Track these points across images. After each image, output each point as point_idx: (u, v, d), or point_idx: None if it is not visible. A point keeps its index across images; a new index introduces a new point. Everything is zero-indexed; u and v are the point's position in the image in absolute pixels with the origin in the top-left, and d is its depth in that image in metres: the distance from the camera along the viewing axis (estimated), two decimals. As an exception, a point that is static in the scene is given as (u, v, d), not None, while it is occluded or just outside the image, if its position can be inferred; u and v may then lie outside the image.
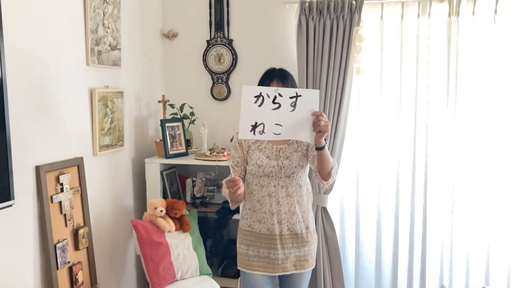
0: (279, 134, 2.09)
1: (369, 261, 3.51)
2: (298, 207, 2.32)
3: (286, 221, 2.30)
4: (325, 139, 2.12)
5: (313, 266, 2.43)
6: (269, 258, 2.32)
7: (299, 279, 2.40)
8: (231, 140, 2.46)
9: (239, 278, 3.23)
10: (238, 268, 2.41)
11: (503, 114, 3.16)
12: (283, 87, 2.23)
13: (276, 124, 2.07)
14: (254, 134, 2.08)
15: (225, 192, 2.35)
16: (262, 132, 2.08)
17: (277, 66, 2.40)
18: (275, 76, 2.30)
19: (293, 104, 2.06)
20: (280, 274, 2.34)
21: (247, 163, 2.36)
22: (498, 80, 3.13)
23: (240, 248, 2.39)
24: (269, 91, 2.07)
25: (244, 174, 2.38)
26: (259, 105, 2.06)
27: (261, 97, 2.06)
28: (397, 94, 3.31)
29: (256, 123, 2.07)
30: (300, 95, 2.06)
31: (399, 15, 3.23)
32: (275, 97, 2.06)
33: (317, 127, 2.04)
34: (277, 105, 2.06)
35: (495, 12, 3.06)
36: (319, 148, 2.13)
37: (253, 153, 2.31)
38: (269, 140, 2.28)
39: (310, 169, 2.39)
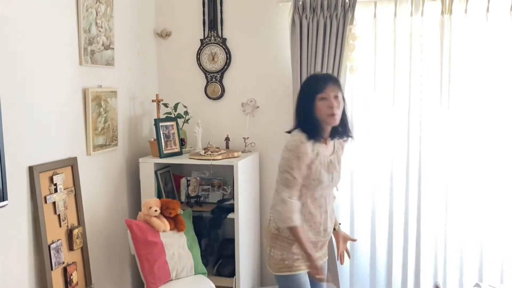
0: None
1: (364, 259, 3.52)
2: (331, 211, 2.41)
3: (328, 227, 2.38)
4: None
5: None
6: None
7: (324, 269, 2.46)
8: (295, 148, 2.21)
9: (234, 277, 3.25)
10: (281, 274, 2.33)
11: (496, 111, 3.18)
12: (338, 90, 2.25)
13: None
14: None
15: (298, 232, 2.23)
16: None
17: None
18: (329, 80, 2.27)
19: None
20: None
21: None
22: (491, 78, 3.15)
23: (283, 255, 2.31)
24: None
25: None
26: None
27: None
28: (390, 92, 3.32)
29: None
30: None
31: (392, 13, 3.24)
32: None
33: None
34: None
35: (487, 10, 3.08)
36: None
37: (316, 168, 2.23)
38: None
39: None
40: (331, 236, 2.52)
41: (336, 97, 2.24)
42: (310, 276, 2.34)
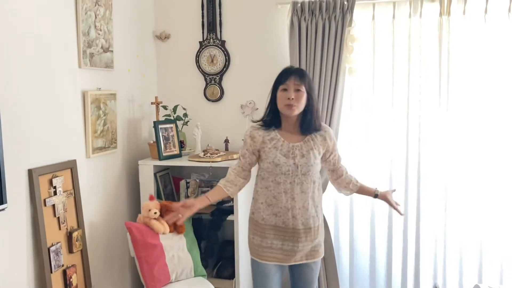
0: None
1: (363, 260, 3.53)
2: (312, 202, 2.40)
3: (301, 216, 2.37)
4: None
5: (322, 255, 2.52)
6: (282, 250, 2.39)
7: (310, 270, 2.48)
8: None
9: (234, 279, 3.25)
10: (251, 257, 2.47)
11: (495, 112, 3.18)
12: (300, 83, 2.32)
13: None
14: None
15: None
16: None
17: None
18: (292, 73, 2.36)
19: None
20: (292, 264, 2.43)
21: (257, 157, 2.43)
22: (489, 79, 3.16)
23: (254, 239, 2.44)
24: None
25: (248, 167, 2.46)
26: None
27: None
28: (389, 93, 3.33)
29: None
30: None
31: (391, 15, 3.25)
32: None
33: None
34: None
35: (486, 11, 3.09)
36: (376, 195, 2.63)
37: (270, 151, 2.36)
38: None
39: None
40: (322, 229, 2.51)
41: (298, 90, 2.32)
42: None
